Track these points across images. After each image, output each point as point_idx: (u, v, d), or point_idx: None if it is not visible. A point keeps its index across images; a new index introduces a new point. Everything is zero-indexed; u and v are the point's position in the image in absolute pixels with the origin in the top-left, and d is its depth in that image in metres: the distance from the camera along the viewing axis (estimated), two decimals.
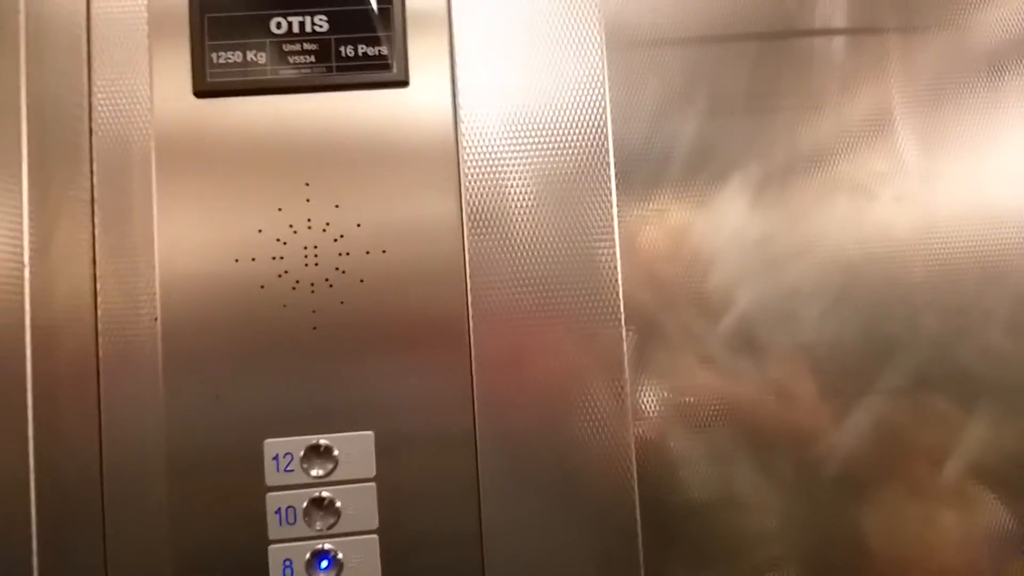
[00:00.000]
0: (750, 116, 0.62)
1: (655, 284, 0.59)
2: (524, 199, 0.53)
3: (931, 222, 0.62)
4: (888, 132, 0.63)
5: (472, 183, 0.52)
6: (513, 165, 0.53)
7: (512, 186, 0.53)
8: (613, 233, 0.53)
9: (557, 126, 0.55)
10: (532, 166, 0.54)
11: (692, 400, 0.59)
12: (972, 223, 0.63)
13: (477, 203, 0.52)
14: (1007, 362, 0.61)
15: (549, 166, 0.54)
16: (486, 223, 0.52)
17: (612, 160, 0.56)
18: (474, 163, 0.53)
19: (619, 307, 0.52)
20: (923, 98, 0.64)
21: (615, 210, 0.56)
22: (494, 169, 0.53)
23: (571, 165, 0.55)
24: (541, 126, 0.54)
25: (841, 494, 0.61)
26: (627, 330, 0.53)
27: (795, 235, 0.61)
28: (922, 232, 0.62)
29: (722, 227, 0.60)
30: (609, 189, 0.55)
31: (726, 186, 0.61)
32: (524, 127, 0.54)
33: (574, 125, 0.55)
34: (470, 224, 0.52)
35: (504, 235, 0.52)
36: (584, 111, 0.56)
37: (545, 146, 0.54)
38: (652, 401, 0.58)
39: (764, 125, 0.62)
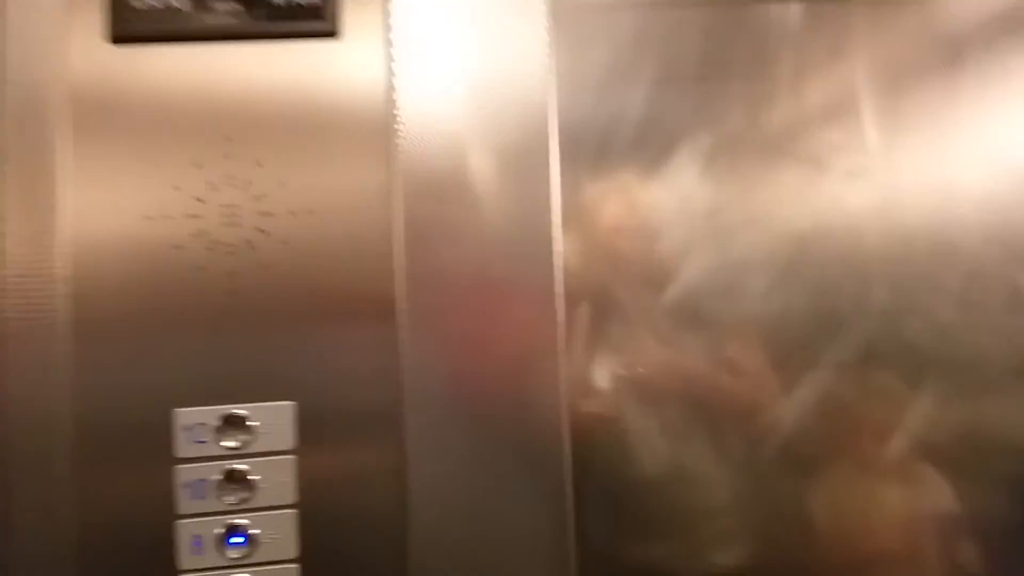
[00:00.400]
0: (702, 84, 0.60)
1: (598, 255, 0.56)
2: (462, 165, 0.51)
3: (885, 197, 0.61)
4: (845, 105, 0.62)
5: (407, 145, 0.50)
6: (451, 128, 0.51)
7: (449, 151, 0.51)
8: (553, 202, 0.51)
9: (498, 90, 0.52)
10: (471, 130, 0.51)
11: (635, 372, 0.57)
12: (926, 199, 0.61)
13: (412, 167, 0.50)
14: (957, 338, 0.60)
15: (489, 131, 0.51)
16: (421, 188, 0.50)
17: (556, 127, 0.53)
18: (410, 124, 0.50)
19: (556, 279, 0.50)
20: (883, 71, 0.62)
21: (557, 179, 0.53)
22: (431, 131, 0.51)
23: (512, 132, 0.52)
24: (481, 89, 0.52)
25: (786, 469, 0.60)
26: (567, 301, 0.51)
27: (745, 206, 0.59)
28: (876, 206, 0.60)
29: (670, 198, 0.58)
30: (551, 157, 0.52)
31: (675, 156, 0.59)
32: (463, 89, 0.52)
33: (517, 89, 0.53)
34: (404, 189, 0.49)
35: (439, 202, 0.50)
36: (528, 75, 0.54)
37: (485, 110, 0.52)
38: (592, 372, 0.56)
39: (716, 94, 0.60)
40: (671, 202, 0.58)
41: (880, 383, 0.59)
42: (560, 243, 0.50)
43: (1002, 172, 0.62)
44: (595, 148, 0.57)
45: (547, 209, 0.51)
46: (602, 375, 0.56)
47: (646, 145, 0.58)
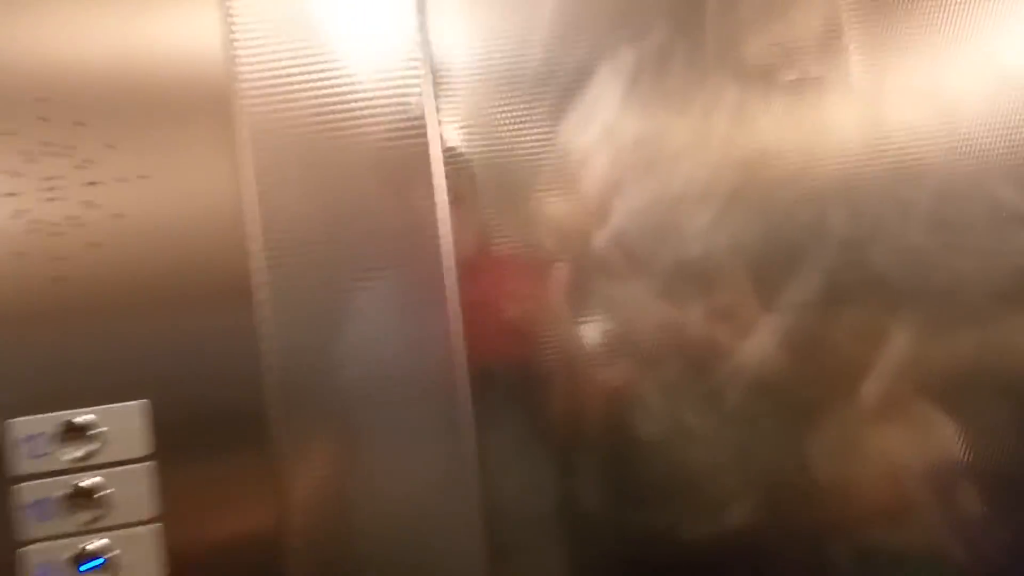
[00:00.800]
0: None
1: (507, 206, 0.49)
2: (319, 123, 0.43)
3: (845, 110, 0.53)
4: (794, 7, 0.53)
5: (252, 100, 0.42)
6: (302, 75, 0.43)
7: (305, 108, 0.43)
8: (433, 152, 0.43)
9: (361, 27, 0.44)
10: (321, 80, 0.43)
11: (568, 325, 0.50)
12: (890, 111, 0.53)
13: (261, 125, 0.42)
14: (929, 264, 0.53)
15: (343, 83, 0.43)
16: (273, 152, 0.42)
17: (430, 58, 0.45)
18: (254, 73, 0.42)
19: (443, 235, 0.43)
20: None
21: (436, 123, 0.46)
22: (283, 79, 0.43)
23: (381, 71, 0.44)
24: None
25: (752, 421, 0.53)
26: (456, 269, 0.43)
27: (679, 132, 0.51)
28: (835, 121, 0.52)
29: (589, 128, 0.50)
30: (425, 95, 0.44)
31: (592, 79, 0.51)
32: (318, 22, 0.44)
33: (379, 22, 0.45)
34: (254, 152, 0.42)
35: (301, 172, 0.42)
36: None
37: (336, 52, 0.44)
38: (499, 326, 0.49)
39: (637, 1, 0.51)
40: (590, 133, 0.50)
41: (846, 320, 0.52)
42: (444, 191, 0.43)
43: (975, 76, 0.54)
44: (482, 83, 0.49)
45: (426, 159, 0.43)
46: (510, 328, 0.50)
47: (553, 71, 0.50)
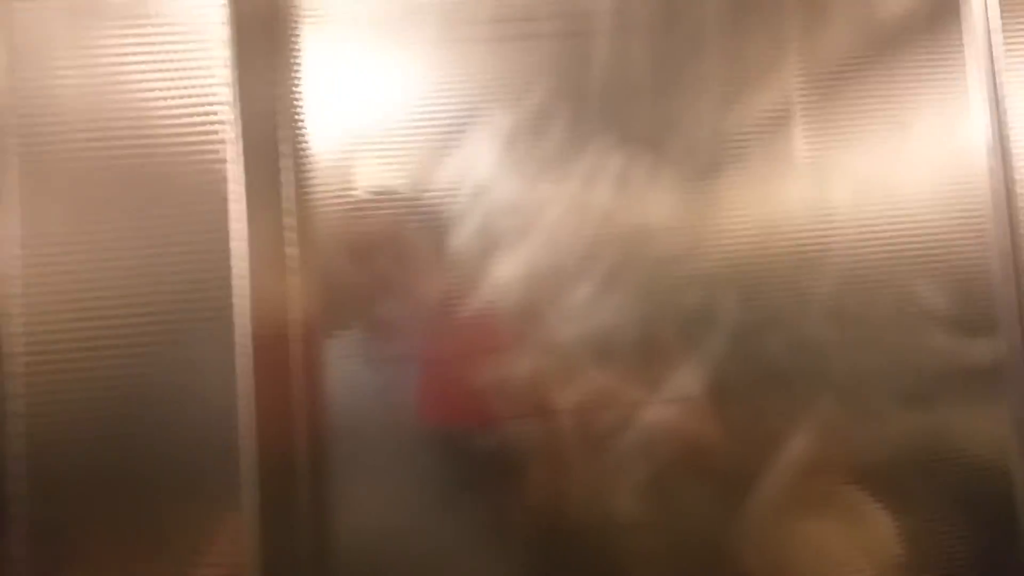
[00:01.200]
0: (506, 44, 0.48)
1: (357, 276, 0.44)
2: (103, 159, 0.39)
3: (741, 193, 0.49)
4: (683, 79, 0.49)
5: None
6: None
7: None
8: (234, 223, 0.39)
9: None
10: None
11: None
12: (792, 197, 0.49)
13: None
14: (829, 359, 0.48)
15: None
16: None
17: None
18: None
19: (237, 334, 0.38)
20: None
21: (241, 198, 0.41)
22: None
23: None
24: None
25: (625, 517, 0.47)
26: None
27: (556, 200, 0.47)
28: (725, 204, 0.48)
29: (458, 189, 0.46)
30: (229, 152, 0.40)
31: (464, 138, 0.46)
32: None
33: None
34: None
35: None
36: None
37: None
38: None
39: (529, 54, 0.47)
40: (461, 196, 0.45)
41: (740, 415, 0.47)
42: (245, 259, 0.38)
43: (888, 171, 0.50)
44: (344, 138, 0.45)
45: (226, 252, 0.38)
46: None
47: (422, 129, 0.46)
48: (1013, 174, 0.49)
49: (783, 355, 0.48)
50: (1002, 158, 0.49)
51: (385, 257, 0.46)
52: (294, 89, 0.45)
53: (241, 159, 0.38)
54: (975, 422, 0.47)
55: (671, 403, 0.47)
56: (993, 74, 0.49)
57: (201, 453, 0.37)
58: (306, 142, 0.45)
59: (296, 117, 0.45)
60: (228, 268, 0.38)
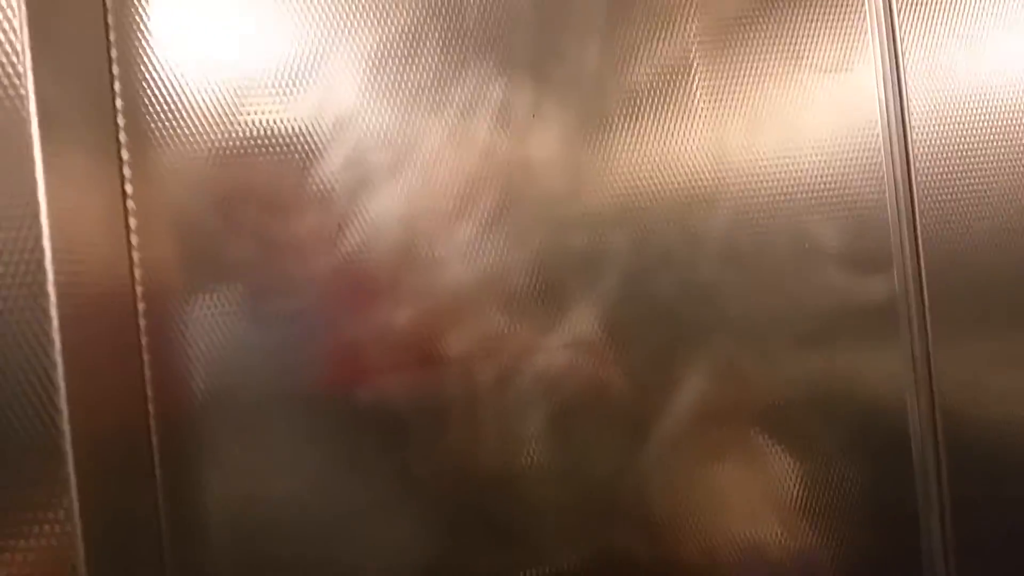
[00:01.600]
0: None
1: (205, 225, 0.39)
2: None
3: (629, 128, 0.45)
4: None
5: None
6: None
7: None
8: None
9: None
10: None
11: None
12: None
13: None
14: (722, 300, 0.45)
15: None
16: None
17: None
18: None
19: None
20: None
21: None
22: None
23: None
24: None
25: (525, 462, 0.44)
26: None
27: (432, 133, 0.42)
28: (612, 140, 0.45)
29: (320, 120, 0.41)
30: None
31: (325, 63, 0.41)
32: None
33: None
34: None
35: None
36: None
37: None
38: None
39: None
40: (322, 126, 0.40)
41: (632, 360, 0.44)
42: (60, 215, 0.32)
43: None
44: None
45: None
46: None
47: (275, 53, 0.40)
48: (906, 114, 0.47)
49: (677, 297, 0.45)
50: (897, 97, 0.48)
51: (243, 203, 0.41)
52: (130, 17, 0.39)
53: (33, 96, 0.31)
54: (871, 360, 0.46)
55: (565, 347, 0.44)
56: (890, 14, 0.48)
57: (13, 452, 0.30)
58: (147, 78, 0.39)
59: (134, 50, 0.39)
60: (39, 228, 0.31)
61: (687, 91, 0.46)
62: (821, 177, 0.47)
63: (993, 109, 0.49)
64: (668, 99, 0.46)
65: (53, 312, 0.30)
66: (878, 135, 0.48)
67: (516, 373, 0.43)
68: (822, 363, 0.46)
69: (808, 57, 0.48)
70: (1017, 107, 0.49)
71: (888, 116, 0.48)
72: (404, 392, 0.42)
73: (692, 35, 0.46)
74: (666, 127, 0.46)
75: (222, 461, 0.40)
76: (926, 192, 0.47)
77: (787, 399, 0.45)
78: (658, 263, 0.45)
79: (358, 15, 0.42)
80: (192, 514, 0.39)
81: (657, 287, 0.45)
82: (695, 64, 0.46)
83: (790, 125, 0.47)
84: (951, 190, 0.48)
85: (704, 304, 0.45)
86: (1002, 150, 0.49)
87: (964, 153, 0.48)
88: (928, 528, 0.45)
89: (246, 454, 0.40)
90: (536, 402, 0.44)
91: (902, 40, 0.49)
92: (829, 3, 0.48)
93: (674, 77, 0.46)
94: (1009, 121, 0.49)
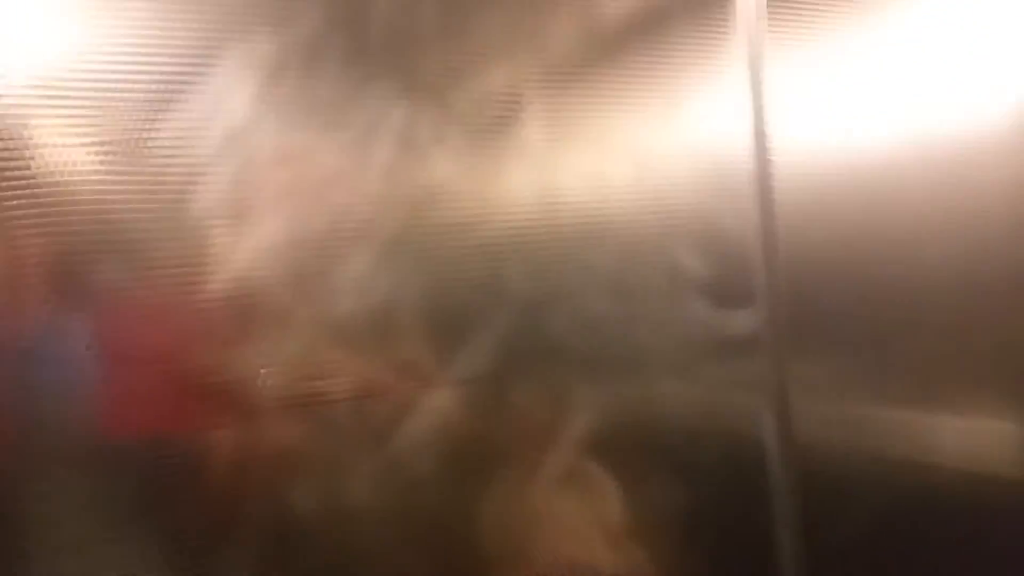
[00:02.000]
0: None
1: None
2: None
3: (530, 160, 0.45)
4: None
5: None
6: None
7: None
8: None
9: None
10: None
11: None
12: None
13: None
14: (607, 333, 0.47)
15: None
16: None
17: None
18: None
19: None
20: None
21: None
22: None
23: None
24: None
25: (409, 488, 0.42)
26: None
27: (330, 153, 0.40)
28: (513, 171, 0.45)
29: (208, 135, 0.37)
30: None
31: (215, 72, 0.37)
32: None
33: None
34: None
35: None
36: None
37: None
38: None
39: None
40: (210, 142, 0.36)
41: (524, 393, 0.44)
42: None
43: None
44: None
45: None
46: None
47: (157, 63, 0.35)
48: (768, 155, 0.51)
49: (566, 330, 0.46)
50: (758, 139, 0.51)
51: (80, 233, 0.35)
52: None
53: None
54: (733, 393, 0.50)
55: (453, 383, 0.43)
56: (757, 59, 0.51)
57: None
58: None
59: None
60: None
61: (569, 120, 0.47)
62: (690, 213, 0.50)
63: (855, 148, 0.54)
64: (552, 128, 0.46)
65: None
66: (742, 175, 0.51)
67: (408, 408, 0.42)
68: (689, 395, 0.49)
69: (681, 93, 0.50)
70: (876, 150, 0.55)
71: (752, 157, 0.51)
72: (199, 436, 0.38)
73: (574, 63, 0.47)
74: (550, 158, 0.46)
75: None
76: (789, 233, 0.51)
77: (658, 428, 0.48)
78: (549, 296, 0.45)
79: (252, 19, 0.38)
80: None
81: (547, 321, 0.45)
82: (576, 92, 0.47)
83: (665, 162, 0.49)
84: (813, 231, 0.52)
85: (589, 336, 0.46)
86: (864, 193, 0.53)
87: (826, 194, 0.53)
88: (782, 544, 0.50)
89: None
90: (384, 442, 0.42)
91: (766, 84, 0.52)
92: (701, 46, 0.50)
93: (558, 107, 0.46)
94: (870, 162, 0.54)
